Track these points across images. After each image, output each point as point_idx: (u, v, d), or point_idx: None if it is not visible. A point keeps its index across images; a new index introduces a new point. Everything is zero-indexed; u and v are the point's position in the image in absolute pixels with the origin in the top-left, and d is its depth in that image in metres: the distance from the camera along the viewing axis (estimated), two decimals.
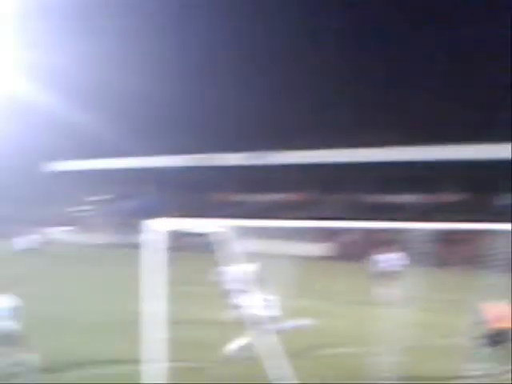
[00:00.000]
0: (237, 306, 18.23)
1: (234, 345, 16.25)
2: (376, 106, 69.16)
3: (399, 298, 24.64)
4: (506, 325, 15.44)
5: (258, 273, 22.72)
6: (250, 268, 22.64)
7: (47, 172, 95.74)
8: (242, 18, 74.33)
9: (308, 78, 74.32)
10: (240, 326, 15.56)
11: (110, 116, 79.56)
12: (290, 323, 16.26)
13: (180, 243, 48.66)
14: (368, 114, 68.57)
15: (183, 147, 79.20)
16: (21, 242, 40.94)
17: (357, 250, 58.11)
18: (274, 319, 15.71)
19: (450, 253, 47.02)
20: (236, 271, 22.28)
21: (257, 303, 15.03)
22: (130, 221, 76.92)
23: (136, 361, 13.95)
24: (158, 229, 11.84)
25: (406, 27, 67.70)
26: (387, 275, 28.03)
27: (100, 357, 17.85)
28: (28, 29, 74.81)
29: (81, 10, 76.89)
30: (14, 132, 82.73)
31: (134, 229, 58.99)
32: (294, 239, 51.94)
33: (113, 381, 15.20)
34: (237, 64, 76.01)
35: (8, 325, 14.26)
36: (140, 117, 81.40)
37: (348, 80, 71.04)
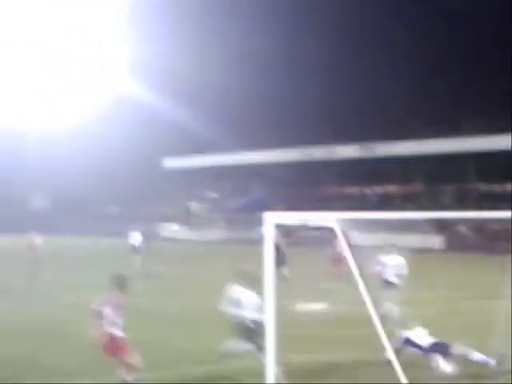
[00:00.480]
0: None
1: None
2: (487, 93, 68.03)
3: None
4: None
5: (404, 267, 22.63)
6: (400, 261, 22.68)
7: (161, 169, 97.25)
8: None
9: (413, 66, 73.69)
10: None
11: (221, 114, 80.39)
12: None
13: (294, 238, 49.04)
14: (478, 102, 67.41)
15: (293, 141, 79.29)
16: (136, 239, 41.45)
17: (474, 241, 57.26)
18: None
19: None
20: (393, 263, 22.41)
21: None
22: (243, 217, 77.76)
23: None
24: (273, 223, 11.79)
25: None
26: None
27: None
28: (139, 28, 76.31)
29: (189, 10, 78.05)
30: (127, 131, 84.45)
31: (248, 225, 59.83)
32: (409, 231, 51.38)
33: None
34: (339, 56, 75.91)
35: (256, 318, 14.84)
36: (250, 113, 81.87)
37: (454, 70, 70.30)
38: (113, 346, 13.47)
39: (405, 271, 22.47)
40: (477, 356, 15.34)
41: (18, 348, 18.72)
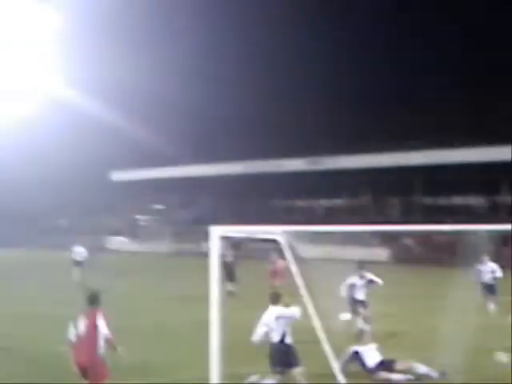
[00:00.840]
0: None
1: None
2: (434, 108, 68.92)
3: None
4: None
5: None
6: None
7: (109, 182, 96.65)
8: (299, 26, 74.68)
9: (364, 84, 74.28)
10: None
11: (169, 126, 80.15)
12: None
13: (243, 250, 49.07)
14: (426, 117, 68.22)
15: (241, 154, 79.36)
16: (79, 253, 41.08)
17: (420, 254, 57.87)
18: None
19: None
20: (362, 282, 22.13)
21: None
22: (191, 229, 77.61)
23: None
24: (219, 236, 11.80)
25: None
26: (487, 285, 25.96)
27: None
28: (85, 44, 75.77)
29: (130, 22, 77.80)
30: (76, 143, 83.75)
31: (196, 237, 59.82)
32: (355, 243, 51.73)
33: None
34: (293, 71, 76.29)
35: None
36: (198, 126, 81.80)
37: (406, 86, 71.06)
38: (95, 371, 13.05)
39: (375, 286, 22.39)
40: (421, 369, 15.50)
41: None
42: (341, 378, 12.43)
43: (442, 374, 15.25)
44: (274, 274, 32.08)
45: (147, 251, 74.34)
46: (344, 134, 71.38)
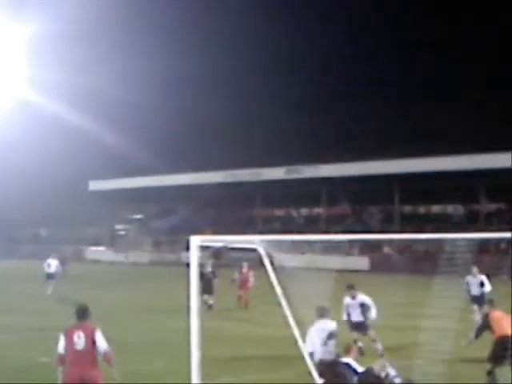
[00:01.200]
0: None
1: None
2: (412, 116, 69.41)
3: None
4: None
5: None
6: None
7: (87, 192, 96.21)
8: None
9: (343, 93, 74.63)
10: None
11: (147, 136, 79.96)
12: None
13: (221, 259, 48.96)
14: (404, 125, 68.64)
15: (220, 163, 79.30)
16: (51, 265, 40.38)
17: (400, 262, 57.93)
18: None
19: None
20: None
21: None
22: (170, 239, 77.45)
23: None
24: (198, 246, 11.70)
25: None
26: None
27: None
28: (62, 51, 75.44)
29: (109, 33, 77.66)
30: (53, 153, 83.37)
31: (174, 246, 59.69)
32: (335, 252, 51.66)
33: None
34: (268, 79, 76.48)
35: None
36: (176, 135, 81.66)
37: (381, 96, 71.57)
38: None
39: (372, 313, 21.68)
40: (391, 372, 15.47)
41: None
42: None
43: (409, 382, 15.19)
44: (242, 283, 32.35)
45: (126, 261, 74.02)
46: (323, 142, 71.62)
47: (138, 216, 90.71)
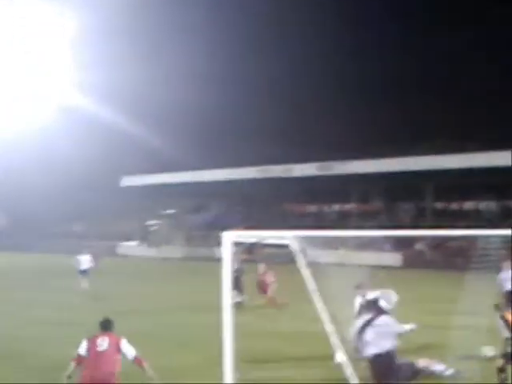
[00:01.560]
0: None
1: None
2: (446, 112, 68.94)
3: None
4: None
5: None
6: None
7: (120, 187, 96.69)
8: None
9: (376, 89, 74.36)
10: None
11: (181, 131, 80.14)
12: None
13: (255, 255, 48.98)
14: (437, 122, 68.25)
15: (254, 159, 79.34)
16: (83, 262, 40.33)
17: (433, 258, 57.70)
18: None
19: None
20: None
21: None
22: (203, 234, 77.60)
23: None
24: (232, 241, 11.74)
25: None
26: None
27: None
28: (97, 50, 75.94)
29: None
30: (88, 149, 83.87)
31: (207, 242, 59.70)
32: (368, 248, 51.43)
33: None
34: (302, 78, 76.45)
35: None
36: (210, 130, 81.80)
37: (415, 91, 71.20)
38: None
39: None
40: (438, 367, 15.37)
41: None
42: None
43: (455, 376, 15.10)
44: (261, 286, 31.45)
45: (158, 256, 74.33)
46: (355, 139, 71.41)
47: (171, 211, 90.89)
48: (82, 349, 12.93)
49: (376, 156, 71.34)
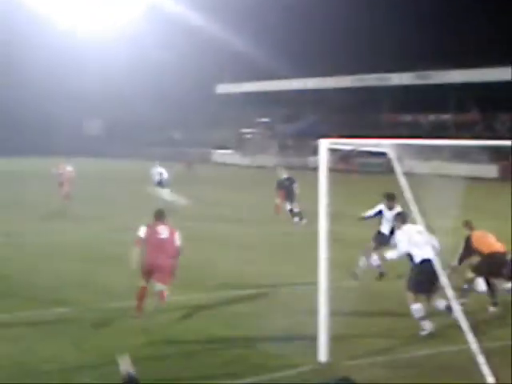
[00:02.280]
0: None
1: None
2: None
3: None
4: None
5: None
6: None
7: (214, 95, 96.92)
8: None
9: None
10: None
11: (275, 40, 79.45)
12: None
13: (349, 164, 48.93)
14: None
15: (349, 67, 78.48)
16: (159, 173, 39.05)
17: None
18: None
19: None
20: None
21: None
22: (296, 142, 77.65)
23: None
24: (327, 148, 11.72)
25: None
26: None
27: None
28: None
29: None
30: (182, 57, 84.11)
31: (300, 151, 59.78)
32: (463, 159, 50.76)
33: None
34: None
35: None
36: (305, 40, 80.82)
37: None
38: (155, 273, 14.20)
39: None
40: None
41: (71, 267, 19.26)
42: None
43: None
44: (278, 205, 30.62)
45: (252, 164, 74.72)
46: (453, 48, 69.66)
47: (265, 120, 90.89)
48: (142, 233, 14.39)
49: (473, 66, 69.79)
